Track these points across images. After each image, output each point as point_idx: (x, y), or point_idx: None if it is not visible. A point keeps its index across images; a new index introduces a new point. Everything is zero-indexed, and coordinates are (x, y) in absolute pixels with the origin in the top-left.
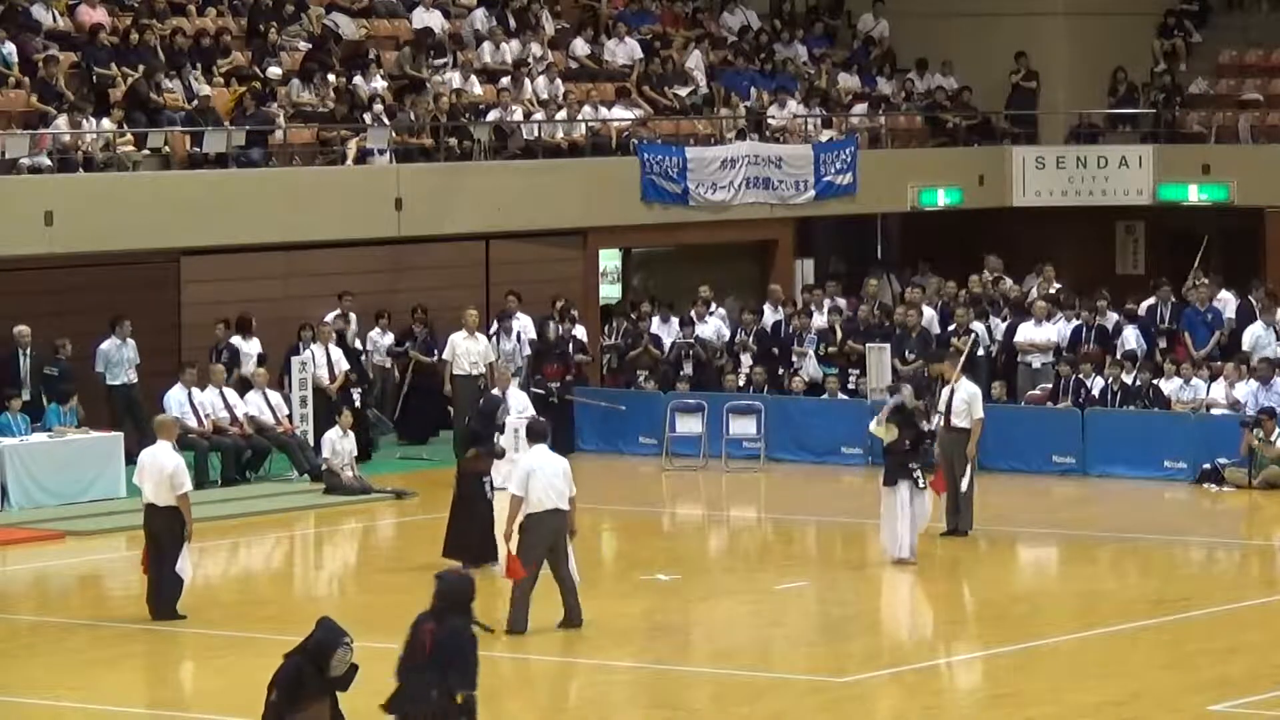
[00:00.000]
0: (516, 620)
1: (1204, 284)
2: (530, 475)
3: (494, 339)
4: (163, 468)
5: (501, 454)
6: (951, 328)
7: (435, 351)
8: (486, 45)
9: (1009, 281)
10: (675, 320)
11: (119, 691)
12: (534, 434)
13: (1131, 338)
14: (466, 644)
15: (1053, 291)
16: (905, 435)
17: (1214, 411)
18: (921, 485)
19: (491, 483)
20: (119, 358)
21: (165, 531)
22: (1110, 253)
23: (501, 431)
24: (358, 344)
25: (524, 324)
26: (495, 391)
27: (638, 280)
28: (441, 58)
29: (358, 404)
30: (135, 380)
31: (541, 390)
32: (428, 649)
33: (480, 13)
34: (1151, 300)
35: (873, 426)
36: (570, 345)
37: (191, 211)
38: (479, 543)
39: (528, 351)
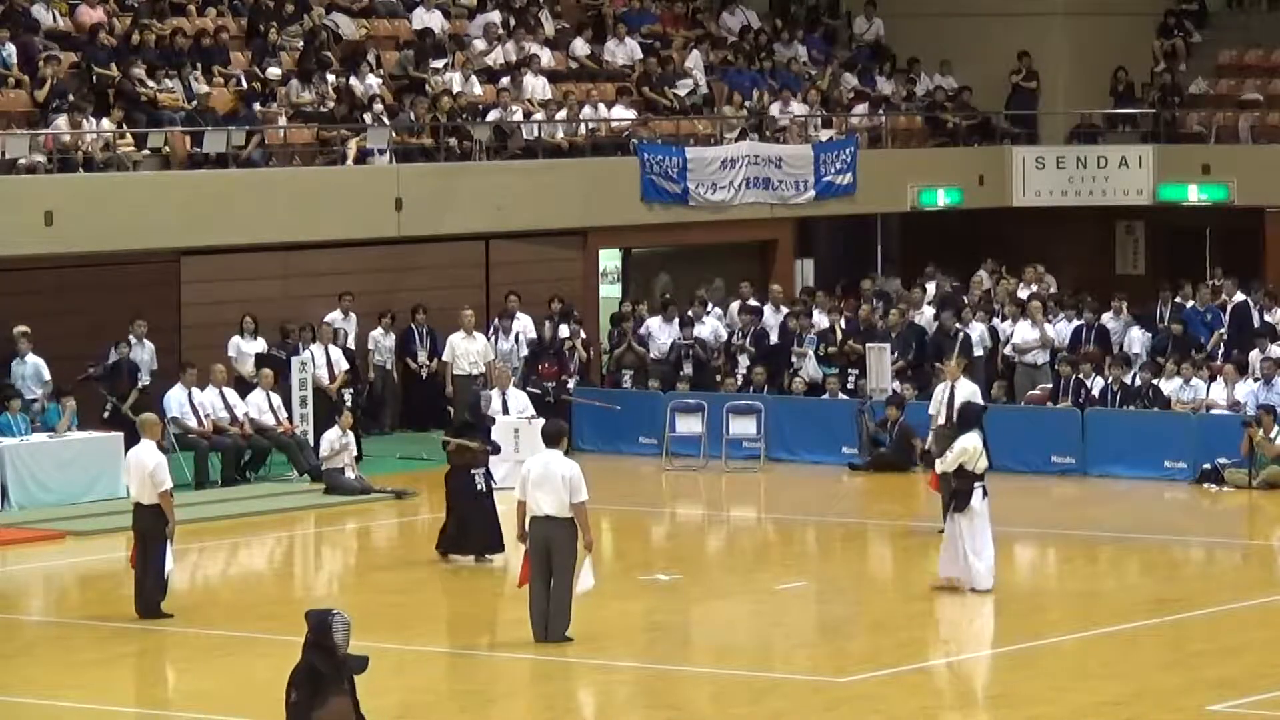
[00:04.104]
0: (534, 631)
1: (1205, 285)
2: (525, 479)
3: (493, 338)
4: (144, 465)
5: (497, 450)
6: (958, 326)
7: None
8: (485, 45)
9: (1014, 282)
10: (675, 320)
11: (118, 691)
12: (545, 436)
13: (1138, 340)
14: None
15: (1053, 291)
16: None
17: (1214, 411)
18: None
19: (486, 475)
20: (134, 357)
21: (150, 529)
22: (1110, 253)
23: (491, 425)
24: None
25: (524, 324)
26: (480, 388)
27: (636, 282)
28: (442, 58)
29: (349, 404)
30: (148, 383)
31: (537, 390)
32: None
33: (492, 15)
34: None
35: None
36: (565, 346)
37: (191, 211)
38: (476, 535)
39: (525, 352)
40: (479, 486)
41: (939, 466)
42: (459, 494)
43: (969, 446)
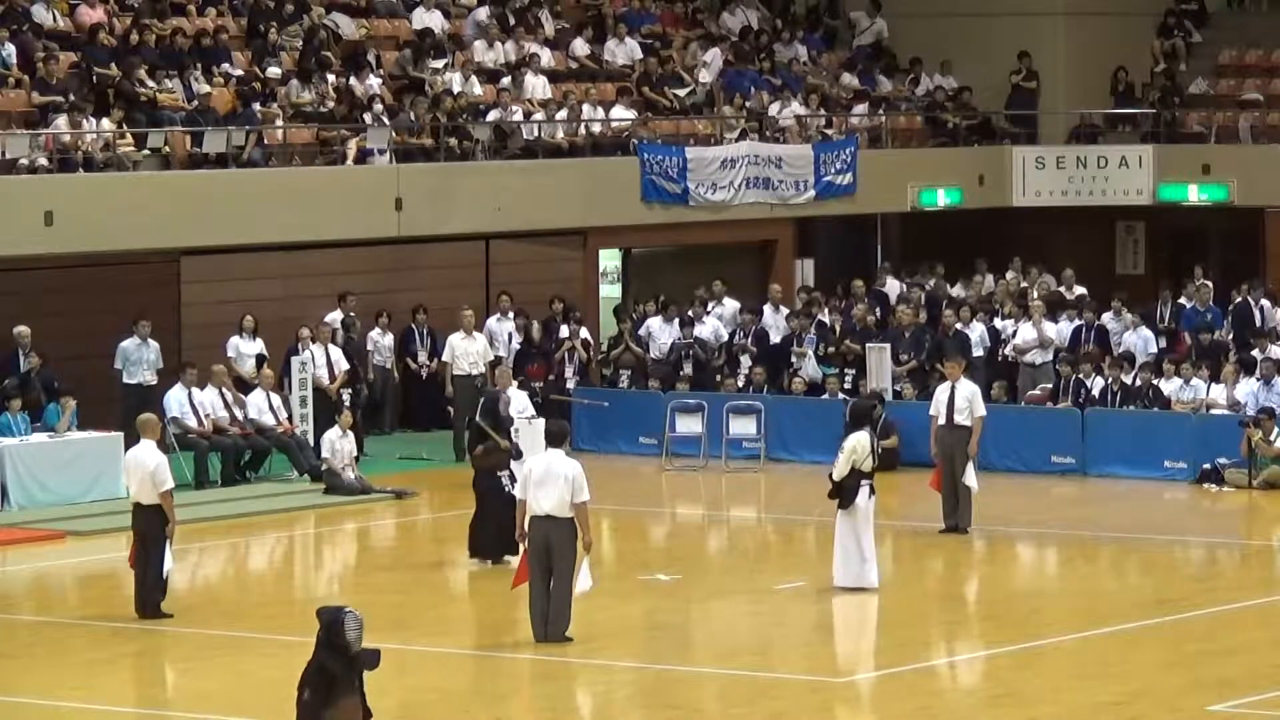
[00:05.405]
0: (534, 631)
1: (1205, 285)
2: (526, 478)
3: (506, 337)
4: (145, 466)
5: (519, 454)
6: (958, 327)
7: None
8: (485, 45)
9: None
10: (676, 320)
11: (118, 691)
12: (548, 436)
13: (1150, 341)
14: None
15: (1054, 289)
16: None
17: (1214, 411)
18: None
19: (512, 477)
20: (138, 357)
21: (150, 529)
22: (1110, 253)
23: (510, 425)
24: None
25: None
26: (487, 388)
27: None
28: (442, 58)
29: (349, 404)
30: (154, 382)
31: (524, 390)
32: None
33: (480, 12)
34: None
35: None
36: (566, 346)
37: (191, 211)
38: (494, 539)
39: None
40: (507, 488)
41: (834, 474)
42: (489, 497)
43: (857, 446)
